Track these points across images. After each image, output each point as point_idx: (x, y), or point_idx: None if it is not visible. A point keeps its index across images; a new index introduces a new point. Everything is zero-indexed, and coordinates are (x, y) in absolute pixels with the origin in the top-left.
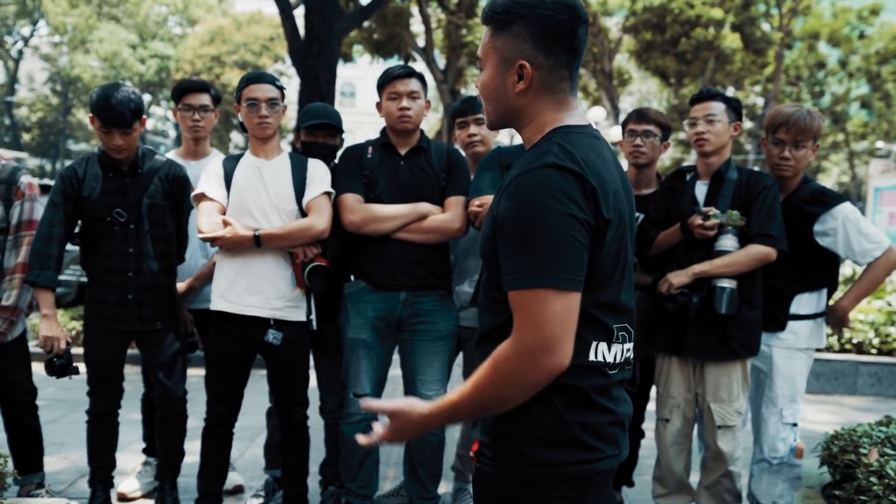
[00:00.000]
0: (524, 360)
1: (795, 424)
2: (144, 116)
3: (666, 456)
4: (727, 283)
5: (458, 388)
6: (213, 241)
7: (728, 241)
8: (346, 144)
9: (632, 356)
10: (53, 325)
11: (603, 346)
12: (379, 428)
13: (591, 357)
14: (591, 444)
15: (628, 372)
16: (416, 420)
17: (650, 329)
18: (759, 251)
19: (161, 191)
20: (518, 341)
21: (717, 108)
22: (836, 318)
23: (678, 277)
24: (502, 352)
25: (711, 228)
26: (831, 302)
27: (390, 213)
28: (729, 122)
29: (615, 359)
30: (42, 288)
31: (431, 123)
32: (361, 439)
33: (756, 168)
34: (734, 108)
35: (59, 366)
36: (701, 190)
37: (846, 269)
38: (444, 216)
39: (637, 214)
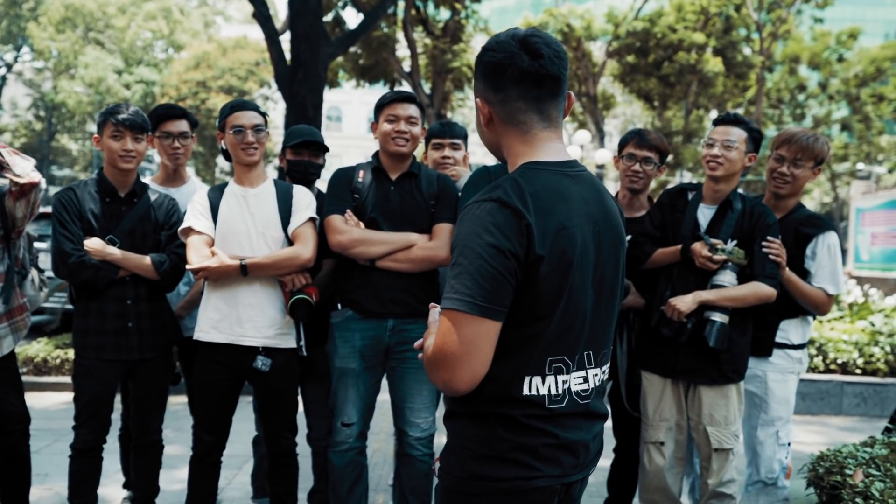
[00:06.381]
0: (430, 369)
1: (789, 444)
2: (150, 135)
3: (660, 479)
4: (719, 318)
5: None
6: (199, 272)
7: (727, 277)
8: (331, 168)
9: (588, 386)
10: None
11: (537, 379)
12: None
13: (525, 391)
14: (527, 462)
15: (586, 401)
16: None
17: (639, 350)
18: (766, 291)
19: (154, 222)
20: (430, 352)
21: (738, 134)
22: None
23: (685, 304)
24: (426, 350)
25: (717, 262)
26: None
27: (378, 237)
28: (746, 151)
29: (551, 391)
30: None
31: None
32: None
33: (740, 190)
34: (754, 138)
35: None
36: (704, 214)
37: None
38: (431, 244)
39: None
